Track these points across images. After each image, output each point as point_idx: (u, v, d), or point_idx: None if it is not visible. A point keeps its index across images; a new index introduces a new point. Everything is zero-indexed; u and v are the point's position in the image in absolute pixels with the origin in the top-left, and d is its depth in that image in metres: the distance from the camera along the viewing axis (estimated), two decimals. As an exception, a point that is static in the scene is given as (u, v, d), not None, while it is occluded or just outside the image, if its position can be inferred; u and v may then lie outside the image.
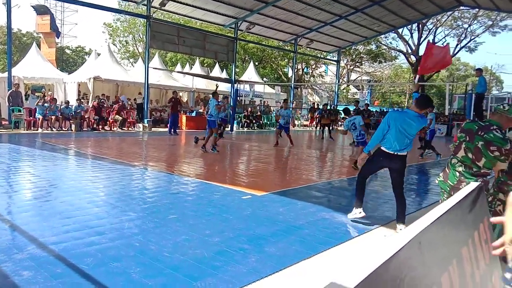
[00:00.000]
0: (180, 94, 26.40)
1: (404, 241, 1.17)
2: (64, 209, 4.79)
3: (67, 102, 16.79)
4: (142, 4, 19.20)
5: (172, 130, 16.79)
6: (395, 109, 13.00)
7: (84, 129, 16.25)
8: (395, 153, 4.44)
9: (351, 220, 4.95)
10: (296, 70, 34.63)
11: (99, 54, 23.75)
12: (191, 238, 3.96)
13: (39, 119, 15.32)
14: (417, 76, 6.64)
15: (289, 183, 7.57)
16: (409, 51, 37.41)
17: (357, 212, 4.85)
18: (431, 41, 36.74)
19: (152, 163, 8.89)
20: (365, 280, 0.92)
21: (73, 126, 15.90)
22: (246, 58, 39.35)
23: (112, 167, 7.95)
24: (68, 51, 50.56)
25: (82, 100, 17.84)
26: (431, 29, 36.86)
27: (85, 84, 19.38)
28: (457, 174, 3.40)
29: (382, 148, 4.52)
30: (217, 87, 13.09)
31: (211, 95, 12.10)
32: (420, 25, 34.88)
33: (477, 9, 28.80)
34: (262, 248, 3.82)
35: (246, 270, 3.27)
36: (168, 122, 19.98)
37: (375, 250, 1.10)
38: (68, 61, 48.62)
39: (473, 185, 2.24)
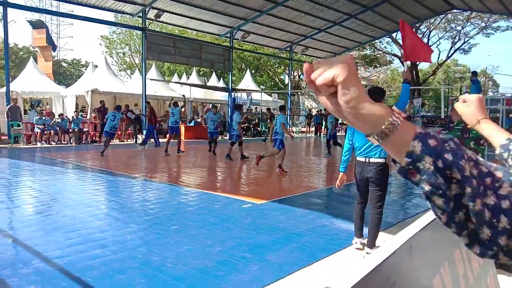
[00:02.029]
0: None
1: (395, 247, 1.25)
2: (67, 223, 4.85)
3: (61, 115, 16.83)
4: (138, 16, 19.35)
5: (150, 141, 15.30)
6: None
7: (83, 142, 16.31)
8: (367, 160, 4.01)
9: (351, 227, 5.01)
10: (292, 77, 34.84)
11: (96, 67, 23.88)
12: (193, 248, 4.02)
13: (37, 133, 15.38)
14: (405, 63, 5.54)
15: (288, 190, 7.63)
16: (404, 55, 37.71)
17: (354, 243, 4.26)
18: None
19: (152, 174, 8.96)
20: (356, 285, 1.00)
21: (72, 139, 15.98)
22: (243, 67, 39.57)
23: (113, 180, 8.01)
24: (64, 64, 50.72)
25: (81, 112, 17.88)
26: (425, 32, 37.17)
27: (83, 97, 19.47)
28: None
29: (356, 158, 4.17)
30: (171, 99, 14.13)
31: (172, 105, 13.74)
32: (414, 28, 35.16)
33: (469, 12, 29.09)
34: (263, 256, 3.88)
35: (248, 278, 3.34)
36: (166, 132, 20.10)
37: (369, 256, 1.17)
38: (65, 74, 48.76)
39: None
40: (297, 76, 42.59)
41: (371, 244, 4.07)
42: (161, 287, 3.12)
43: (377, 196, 4.08)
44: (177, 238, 4.34)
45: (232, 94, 23.96)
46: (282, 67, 40.93)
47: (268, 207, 6.04)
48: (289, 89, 30.75)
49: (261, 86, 37.70)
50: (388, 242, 1.30)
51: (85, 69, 30.24)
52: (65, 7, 33.50)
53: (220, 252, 3.93)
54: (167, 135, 13.29)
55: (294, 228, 4.90)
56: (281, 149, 9.40)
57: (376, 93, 4.05)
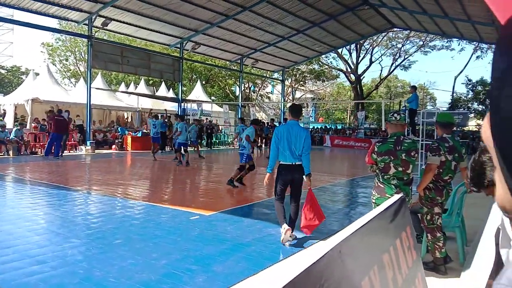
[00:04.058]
0: (125, 114, 25.87)
1: (324, 251, 1.34)
2: (3, 239, 4.58)
3: (3, 126, 15.75)
4: (84, 24, 18.75)
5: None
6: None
7: (22, 153, 15.41)
8: (293, 163, 4.81)
9: (295, 235, 5.14)
10: (243, 89, 35.15)
11: (37, 74, 22.77)
12: (137, 262, 3.94)
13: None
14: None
15: (237, 201, 7.68)
16: (349, 69, 39.31)
17: (283, 231, 4.77)
18: (368, 61, 38.84)
19: (96, 187, 8.65)
20: (285, 286, 1.07)
21: (10, 150, 15.04)
22: (193, 77, 39.35)
23: (53, 193, 7.65)
24: (2, 71, 47.85)
25: (21, 124, 16.87)
26: (368, 49, 39.05)
27: (22, 106, 18.46)
28: (393, 186, 3.72)
29: (280, 162, 4.90)
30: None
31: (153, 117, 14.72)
32: (358, 45, 36.85)
33: (408, 31, 30.96)
34: (209, 267, 3.89)
35: (193, 290, 3.33)
36: (112, 143, 19.50)
37: (299, 259, 1.25)
38: (3, 81, 46.00)
39: (395, 197, 2.49)
40: (248, 88, 43.00)
41: (292, 225, 4.94)
42: (103, 302, 3.04)
43: (298, 193, 5.01)
44: (121, 252, 4.23)
45: (182, 104, 23.75)
46: (233, 79, 41.14)
47: (216, 218, 6.05)
48: (240, 100, 30.98)
49: (212, 97, 37.63)
50: (318, 247, 1.38)
51: (26, 77, 28.75)
52: (4, 11, 31.76)
53: (166, 265, 3.89)
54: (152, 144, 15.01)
55: (241, 238, 4.95)
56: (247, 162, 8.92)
57: (295, 110, 5.08)
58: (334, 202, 7.85)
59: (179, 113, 20.30)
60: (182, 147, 12.97)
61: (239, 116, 28.48)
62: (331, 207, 7.29)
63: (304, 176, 4.94)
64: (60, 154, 14.63)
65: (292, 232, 4.93)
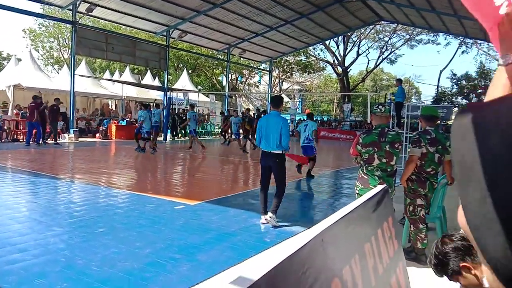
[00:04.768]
0: (109, 102, 25.53)
1: (307, 238, 1.35)
2: (-19, 227, 4.50)
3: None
4: (68, 9, 18.33)
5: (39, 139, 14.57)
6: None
7: (3, 141, 15.11)
8: (268, 151, 5.18)
9: (280, 225, 5.18)
10: (230, 79, 34.95)
11: (19, 60, 22.24)
12: (120, 251, 3.92)
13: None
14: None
15: (223, 191, 7.68)
16: (336, 62, 39.38)
17: (262, 218, 5.31)
18: (355, 53, 38.98)
19: (80, 175, 8.55)
20: (268, 273, 1.07)
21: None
22: (180, 66, 38.93)
23: (35, 181, 7.54)
24: (-18, 56, 46.61)
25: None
26: (356, 41, 39.17)
27: (4, 92, 18.04)
28: (376, 177, 3.77)
29: (261, 149, 5.32)
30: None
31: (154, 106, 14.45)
32: (345, 37, 36.92)
33: (396, 24, 31.13)
34: (194, 256, 3.90)
35: (177, 279, 3.34)
36: (96, 131, 19.28)
37: (282, 247, 1.25)
38: (-17, 66, 44.82)
39: (378, 188, 2.52)
40: (235, 79, 42.77)
41: (273, 211, 5.17)
42: (85, 291, 3.02)
43: (278, 180, 5.22)
44: (104, 241, 4.21)
45: (168, 93, 23.53)
46: (220, 69, 40.83)
47: (201, 207, 6.04)
48: (227, 90, 30.83)
49: (199, 87, 37.36)
50: (301, 235, 1.40)
51: (7, 62, 28.05)
52: (-15, -6, 30.82)
53: (149, 254, 3.88)
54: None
55: (226, 228, 4.96)
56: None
57: (275, 101, 5.45)
58: (318, 193, 7.91)
59: (165, 102, 20.12)
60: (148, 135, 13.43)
61: (226, 107, 28.41)
62: (316, 197, 7.36)
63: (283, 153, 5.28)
64: (41, 140, 14.38)
65: (272, 212, 5.18)
